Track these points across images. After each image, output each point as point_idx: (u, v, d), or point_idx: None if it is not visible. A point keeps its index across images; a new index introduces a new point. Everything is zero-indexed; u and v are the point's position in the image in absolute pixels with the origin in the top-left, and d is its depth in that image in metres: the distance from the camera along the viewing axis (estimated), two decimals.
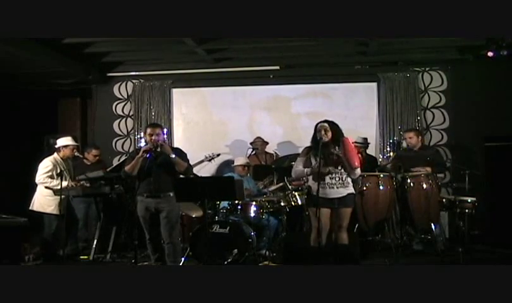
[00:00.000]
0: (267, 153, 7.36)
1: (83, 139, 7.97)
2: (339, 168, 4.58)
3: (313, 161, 4.59)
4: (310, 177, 4.68)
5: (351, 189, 4.65)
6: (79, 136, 7.78)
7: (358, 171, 4.65)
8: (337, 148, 4.57)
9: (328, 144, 4.56)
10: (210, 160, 6.81)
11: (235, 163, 6.62)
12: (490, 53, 6.47)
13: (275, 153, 7.50)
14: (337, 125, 4.67)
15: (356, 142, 6.72)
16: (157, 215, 4.92)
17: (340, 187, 4.59)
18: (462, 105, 7.35)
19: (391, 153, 7.30)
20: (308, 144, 4.77)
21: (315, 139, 4.63)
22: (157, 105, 7.93)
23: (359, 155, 5.03)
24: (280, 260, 5.45)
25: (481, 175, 6.31)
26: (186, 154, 5.11)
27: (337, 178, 4.58)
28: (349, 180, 4.65)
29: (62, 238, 5.82)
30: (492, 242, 6.24)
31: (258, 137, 7.38)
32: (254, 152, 7.32)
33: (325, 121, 4.65)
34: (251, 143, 7.39)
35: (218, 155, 6.91)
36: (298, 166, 4.70)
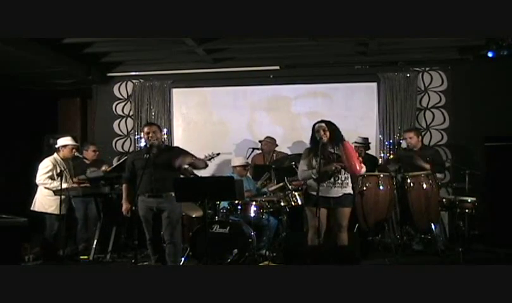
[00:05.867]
0: (275, 152, 7.17)
1: (83, 139, 7.96)
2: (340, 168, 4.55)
3: (314, 162, 4.57)
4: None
5: (349, 190, 4.63)
6: (79, 136, 7.79)
7: (363, 171, 4.66)
8: (335, 148, 4.56)
9: (327, 144, 4.55)
10: (209, 160, 6.79)
11: (232, 164, 6.61)
12: (490, 53, 6.47)
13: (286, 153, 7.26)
14: (335, 125, 4.65)
15: (356, 142, 6.72)
16: (158, 215, 4.90)
17: (338, 187, 4.57)
18: (462, 105, 7.34)
19: (390, 155, 7.31)
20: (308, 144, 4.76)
21: (314, 139, 4.61)
22: (157, 105, 7.93)
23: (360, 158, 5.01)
24: (280, 260, 5.45)
25: (481, 175, 6.30)
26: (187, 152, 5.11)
27: (336, 178, 4.56)
28: (349, 181, 4.62)
29: (62, 238, 5.82)
30: (492, 242, 6.24)
31: (267, 137, 7.22)
32: (260, 152, 7.20)
33: (323, 121, 4.64)
34: (260, 141, 7.27)
35: (217, 155, 6.88)
36: (304, 169, 4.67)
